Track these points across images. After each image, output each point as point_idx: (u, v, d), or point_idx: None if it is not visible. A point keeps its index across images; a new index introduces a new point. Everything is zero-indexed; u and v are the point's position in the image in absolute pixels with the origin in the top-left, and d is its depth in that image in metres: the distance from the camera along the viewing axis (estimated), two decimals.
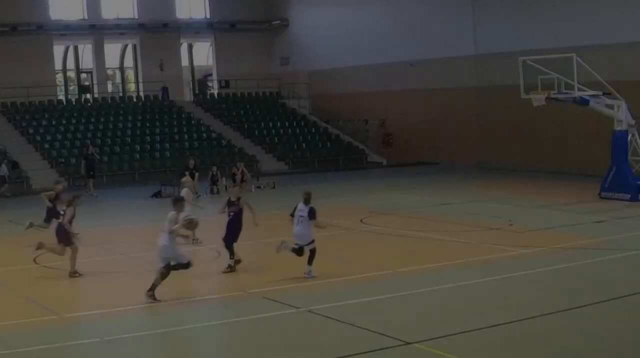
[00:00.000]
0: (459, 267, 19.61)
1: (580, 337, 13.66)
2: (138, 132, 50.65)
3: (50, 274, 20.38)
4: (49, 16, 54.02)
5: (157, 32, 57.10)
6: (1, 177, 40.13)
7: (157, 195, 37.23)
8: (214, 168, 39.13)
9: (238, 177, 38.46)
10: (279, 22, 60.82)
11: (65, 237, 20.07)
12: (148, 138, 50.19)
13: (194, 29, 60.29)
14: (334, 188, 35.95)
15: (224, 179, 39.15)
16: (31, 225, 24.79)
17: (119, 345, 13.91)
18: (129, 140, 49.43)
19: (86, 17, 55.58)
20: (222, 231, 20.04)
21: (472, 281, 18.10)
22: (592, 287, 17.16)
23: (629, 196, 30.33)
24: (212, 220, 23.01)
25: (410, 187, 37.55)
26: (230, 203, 19.82)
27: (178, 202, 17.77)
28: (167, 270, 17.08)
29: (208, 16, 60.43)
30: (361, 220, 26.30)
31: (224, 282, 19.57)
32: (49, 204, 24.43)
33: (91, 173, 39.01)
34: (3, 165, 40.85)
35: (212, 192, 37.92)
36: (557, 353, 12.86)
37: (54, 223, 23.00)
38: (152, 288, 16.78)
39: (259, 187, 39.36)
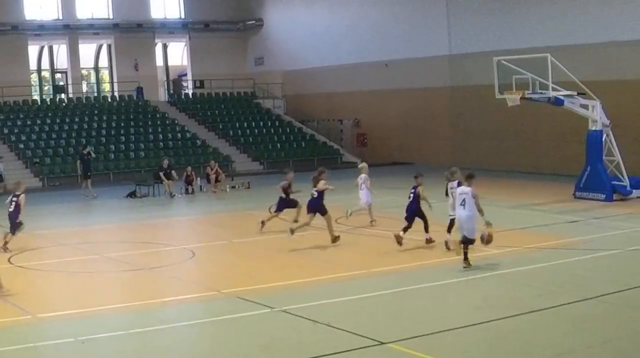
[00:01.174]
0: (434, 267, 19.63)
1: (555, 336, 13.68)
2: (113, 132, 50.46)
3: (24, 274, 20.25)
4: (23, 16, 53.84)
5: (131, 32, 57.04)
6: None
7: (131, 195, 36.96)
8: (189, 168, 38.91)
9: (212, 177, 38.43)
10: (253, 22, 60.86)
11: (320, 207, 22.74)
12: (123, 138, 50.00)
13: (168, 29, 60.20)
14: (308, 189, 35.76)
15: (198, 179, 39.02)
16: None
17: (93, 345, 13.83)
18: (104, 140, 49.23)
19: (61, 17, 55.41)
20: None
21: (447, 281, 18.12)
22: (566, 287, 17.18)
23: (603, 196, 30.46)
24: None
25: (384, 187, 37.50)
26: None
27: (471, 178, 19.04)
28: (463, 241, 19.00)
29: (183, 16, 60.40)
30: (336, 220, 26.28)
31: (199, 282, 19.52)
32: (283, 195, 25.53)
33: (88, 173, 38.52)
34: None
35: (187, 192, 37.75)
36: (533, 353, 12.88)
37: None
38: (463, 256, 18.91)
39: (233, 187, 39.23)
